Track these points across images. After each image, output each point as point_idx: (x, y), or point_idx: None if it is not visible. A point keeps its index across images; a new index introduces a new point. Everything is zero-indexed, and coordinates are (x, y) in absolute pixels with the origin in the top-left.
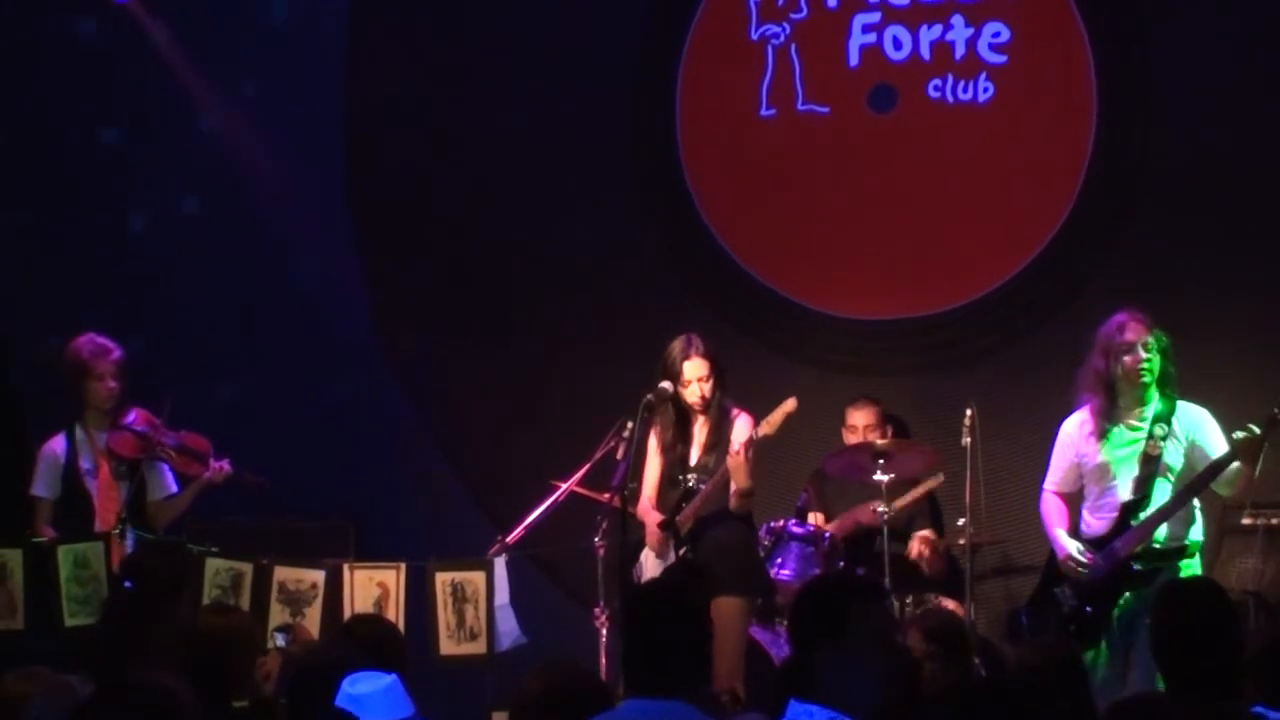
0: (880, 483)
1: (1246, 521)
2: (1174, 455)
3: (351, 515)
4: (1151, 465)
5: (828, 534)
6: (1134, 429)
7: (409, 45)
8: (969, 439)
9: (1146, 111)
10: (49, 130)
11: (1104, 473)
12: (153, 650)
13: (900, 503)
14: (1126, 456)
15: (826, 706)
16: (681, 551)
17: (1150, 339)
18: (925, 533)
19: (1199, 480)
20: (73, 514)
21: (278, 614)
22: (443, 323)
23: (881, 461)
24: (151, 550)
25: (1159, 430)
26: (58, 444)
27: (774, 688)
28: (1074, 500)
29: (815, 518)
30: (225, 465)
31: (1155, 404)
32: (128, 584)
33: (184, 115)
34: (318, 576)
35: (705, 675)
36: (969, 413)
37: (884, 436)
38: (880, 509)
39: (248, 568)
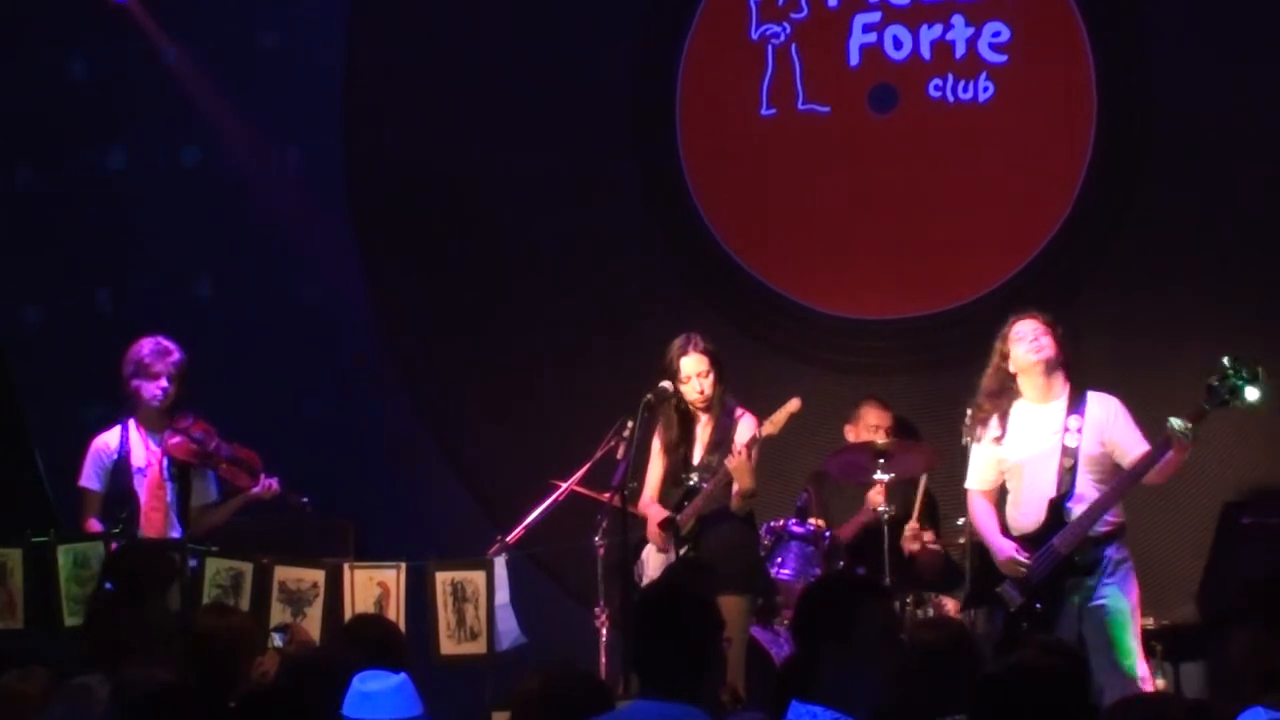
0: (880, 482)
1: (1246, 521)
2: (1091, 444)
3: (351, 515)
4: (1071, 457)
5: (828, 533)
6: (1048, 420)
7: (409, 47)
8: (968, 439)
9: (1146, 111)
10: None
11: (1024, 469)
12: (139, 649)
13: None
14: (1045, 451)
15: (829, 707)
16: (683, 551)
17: (1041, 325)
18: (913, 523)
19: (1133, 474)
20: (117, 511)
21: (278, 613)
22: (442, 322)
23: (882, 461)
24: (133, 551)
25: (1073, 421)
26: (111, 438)
27: (774, 688)
28: (996, 496)
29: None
30: (274, 484)
31: (1065, 395)
32: (108, 585)
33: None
34: (318, 576)
35: (720, 675)
36: (969, 413)
37: (889, 437)
38: (880, 508)
39: (248, 567)
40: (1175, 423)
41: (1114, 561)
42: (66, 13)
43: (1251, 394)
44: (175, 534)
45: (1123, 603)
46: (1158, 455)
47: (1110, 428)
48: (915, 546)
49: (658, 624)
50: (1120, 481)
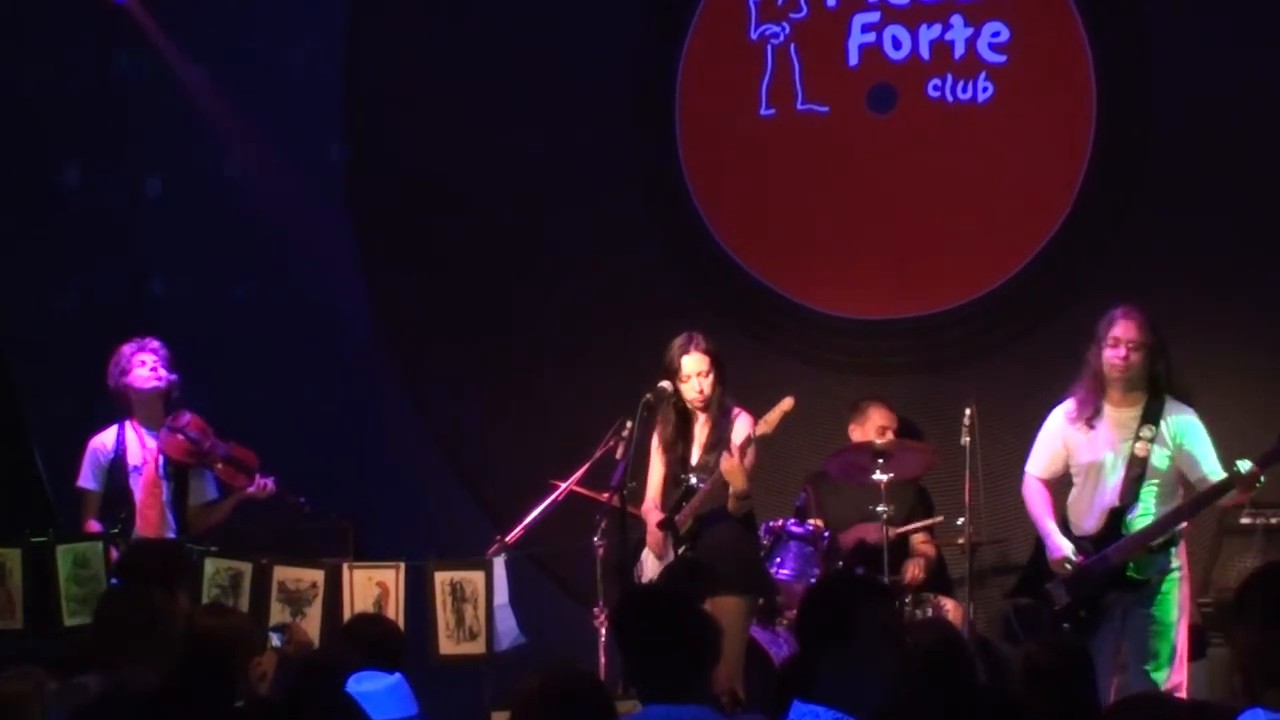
0: (879, 482)
1: (1246, 521)
2: (1160, 458)
3: (351, 515)
4: (1139, 467)
5: (827, 533)
6: (1122, 427)
7: (408, 47)
8: (968, 439)
9: (1146, 111)
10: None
11: (1091, 471)
12: (146, 647)
13: (900, 531)
14: (1114, 457)
15: (831, 707)
16: (680, 550)
17: (1138, 338)
18: (919, 558)
19: (1196, 504)
20: (114, 510)
21: (277, 613)
22: (442, 322)
23: (881, 461)
24: (143, 548)
25: (1146, 432)
26: (107, 438)
27: (774, 688)
28: (1055, 487)
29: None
30: (270, 483)
31: (1143, 404)
32: (114, 581)
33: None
34: (317, 576)
35: (709, 672)
36: (968, 412)
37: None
38: (881, 508)
39: (247, 567)
40: (1242, 466)
41: (1163, 571)
42: (70, 19)
43: None
44: (171, 532)
45: (1166, 613)
46: (1221, 492)
47: (1183, 444)
48: (919, 575)
49: (644, 629)
50: (1181, 508)
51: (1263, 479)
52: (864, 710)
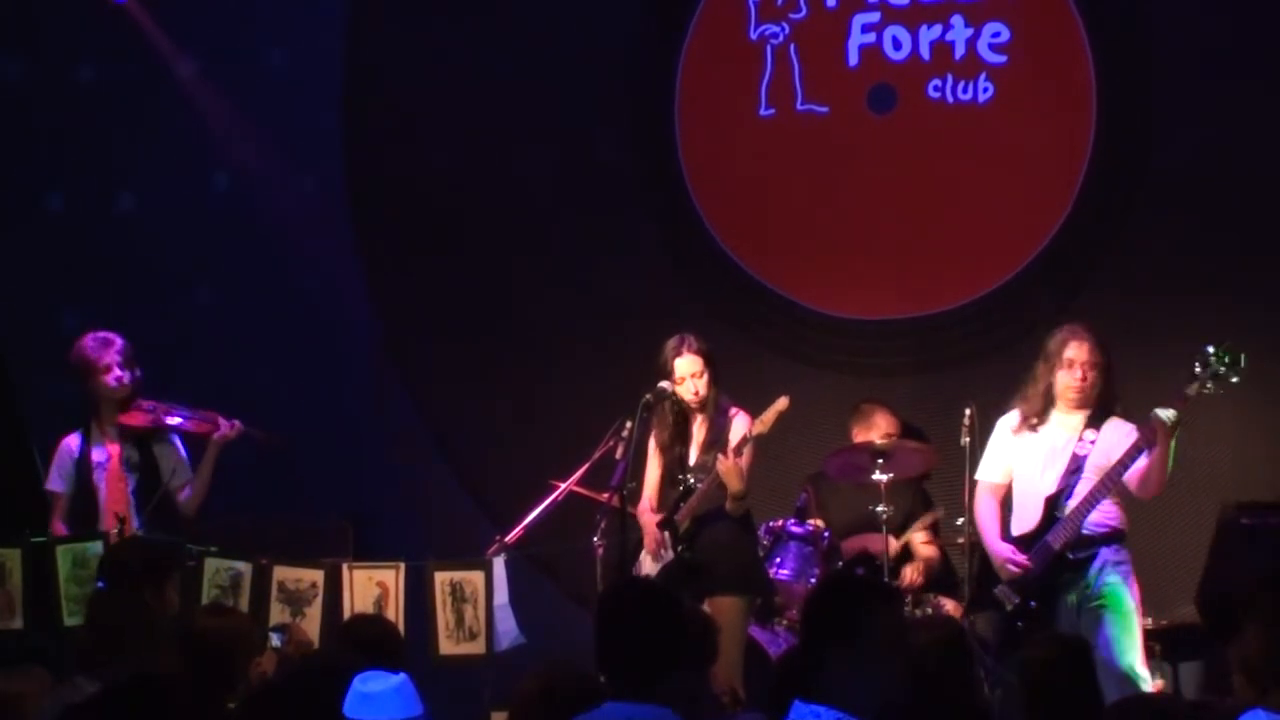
0: (879, 482)
1: (1246, 521)
2: (1099, 459)
3: (351, 515)
4: (1076, 463)
5: (826, 533)
6: (1066, 429)
7: (408, 46)
8: (968, 439)
9: (1146, 111)
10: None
11: (1033, 468)
12: (141, 645)
13: (905, 538)
14: (1055, 455)
15: (833, 707)
16: (679, 550)
17: (1092, 358)
18: (919, 561)
19: (1116, 469)
20: (80, 509)
21: (277, 613)
22: (442, 322)
23: (880, 461)
24: (125, 545)
25: (1089, 434)
26: (73, 440)
27: (773, 682)
28: (1004, 493)
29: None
30: (237, 423)
31: (1089, 411)
32: (100, 583)
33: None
34: (317, 576)
35: (697, 673)
36: (968, 412)
37: None
38: (881, 508)
39: (247, 567)
40: (1160, 413)
41: (1112, 563)
42: (75, 24)
43: (1234, 379)
44: (137, 525)
45: (1121, 603)
46: (1144, 446)
47: (1118, 453)
48: (917, 580)
49: (615, 622)
50: (1110, 473)
51: (1173, 421)
52: (867, 712)
